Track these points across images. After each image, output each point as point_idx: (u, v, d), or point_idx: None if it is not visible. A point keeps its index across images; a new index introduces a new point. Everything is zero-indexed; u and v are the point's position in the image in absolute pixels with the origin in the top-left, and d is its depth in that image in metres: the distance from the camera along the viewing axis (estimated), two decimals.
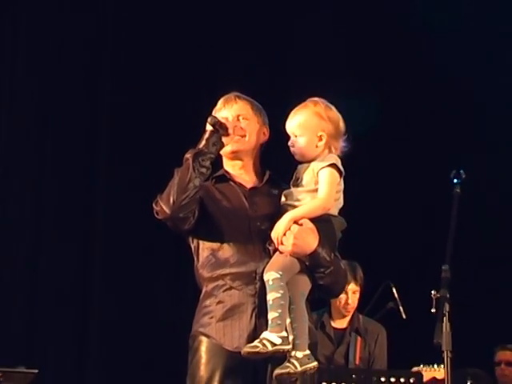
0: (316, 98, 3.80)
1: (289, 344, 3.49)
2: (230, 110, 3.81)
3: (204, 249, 3.74)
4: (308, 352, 3.56)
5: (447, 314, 3.78)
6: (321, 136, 3.71)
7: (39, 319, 7.03)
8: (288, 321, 3.53)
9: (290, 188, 3.72)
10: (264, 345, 3.45)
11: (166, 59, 7.58)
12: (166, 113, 7.46)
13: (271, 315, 3.50)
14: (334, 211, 3.71)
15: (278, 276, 3.52)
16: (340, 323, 5.82)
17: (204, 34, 7.68)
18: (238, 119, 3.80)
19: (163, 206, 3.59)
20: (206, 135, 3.67)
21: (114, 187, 7.28)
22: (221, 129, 3.67)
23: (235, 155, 3.82)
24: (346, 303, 5.73)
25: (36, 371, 5.29)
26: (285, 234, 3.57)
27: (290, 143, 3.75)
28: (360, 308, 5.92)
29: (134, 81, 7.45)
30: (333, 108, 3.79)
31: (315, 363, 3.58)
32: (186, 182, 3.57)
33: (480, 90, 7.52)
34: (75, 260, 7.27)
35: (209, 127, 3.68)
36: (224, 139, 3.69)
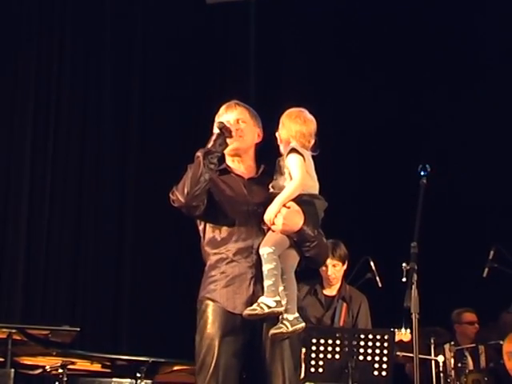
0: (294, 109, 3.89)
1: (282, 307, 3.54)
2: (231, 115, 3.87)
3: (210, 229, 3.79)
4: (297, 315, 3.60)
5: (415, 282, 3.80)
6: (293, 137, 3.77)
7: (81, 287, 7.04)
8: (281, 288, 3.56)
9: (275, 179, 3.78)
10: (261, 308, 3.51)
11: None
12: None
13: (266, 283, 3.54)
14: (315, 190, 3.77)
15: (271, 250, 3.57)
16: (330, 291, 5.81)
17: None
18: (238, 122, 3.85)
19: (179, 196, 3.66)
20: (214, 137, 3.73)
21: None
22: (226, 132, 3.74)
23: (235, 152, 3.87)
24: (327, 274, 5.72)
25: (78, 329, 5.30)
26: (276, 216, 3.62)
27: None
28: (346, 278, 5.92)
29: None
30: (301, 116, 3.83)
31: (303, 324, 3.61)
32: (197, 176, 3.63)
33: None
34: (111, 238, 7.29)
35: (216, 130, 3.75)
36: (228, 140, 3.76)
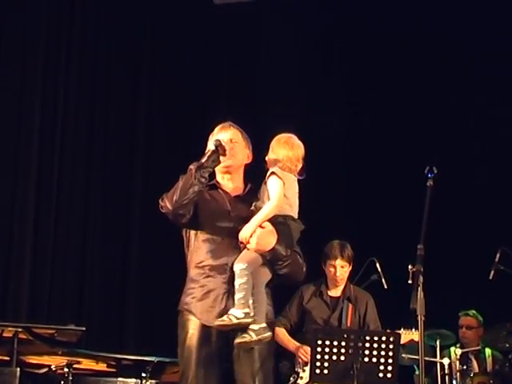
0: (284, 134, 4.09)
1: (250, 318, 3.73)
2: (225, 134, 4.07)
3: (192, 242, 3.98)
4: (264, 325, 3.78)
5: (421, 284, 3.80)
6: (279, 161, 3.98)
7: (87, 286, 7.05)
8: (250, 301, 3.75)
9: (258, 200, 3.96)
10: (230, 319, 3.72)
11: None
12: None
13: (237, 296, 3.76)
14: (293, 214, 3.96)
15: (244, 267, 3.78)
16: (335, 292, 5.81)
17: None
18: (231, 142, 4.04)
19: (167, 203, 3.87)
20: (209, 153, 3.95)
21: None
22: (221, 149, 3.94)
23: (226, 170, 4.07)
24: (335, 275, 5.72)
25: (84, 329, 5.30)
26: (251, 236, 3.80)
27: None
28: (351, 280, 5.90)
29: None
30: (289, 142, 4.04)
31: (270, 333, 3.80)
32: (187, 187, 3.85)
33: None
34: (117, 238, 7.29)
35: (212, 147, 3.95)
36: (221, 158, 3.95)
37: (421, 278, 3.81)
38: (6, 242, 6.67)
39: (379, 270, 6.19)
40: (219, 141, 3.96)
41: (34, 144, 6.86)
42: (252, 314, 3.74)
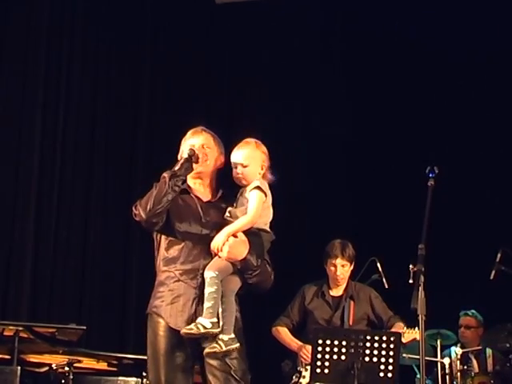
0: (251, 138, 4.08)
1: (218, 328, 3.77)
2: (197, 139, 4.10)
3: (163, 247, 4.00)
4: (233, 336, 3.82)
5: (422, 284, 3.80)
6: (262, 166, 4.01)
7: (88, 285, 7.05)
8: (220, 310, 3.79)
9: (233, 206, 3.98)
10: (198, 328, 3.75)
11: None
12: None
13: (206, 305, 3.79)
14: (264, 225, 3.99)
15: (214, 275, 3.81)
16: (336, 291, 5.80)
17: None
18: (203, 147, 4.07)
19: (141, 212, 3.90)
20: (182, 161, 3.98)
21: None
22: (194, 158, 3.98)
23: (198, 175, 4.09)
24: (336, 274, 5.71)
25: (84, 328, 5.31)
26: (223, 244, 3.83)
27: (237, 171, 4.00)
28: (352, 279, 5.90)
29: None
30: (257, 143, 4.07)
31: (238, 344, 3.82)
32: (161, 195, 3.88)
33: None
34: (118, 238, 7.29)
35: (185, 155, 3.99)
36: (194, 165, 3.99)
37: (422, 278, 3.80)
38: (7, 241, 6.67)
39: (380, 269, 6.19)
40: (193, 150, 3.99)
41: (35, 142, 6.86)
42: (221, 324, 3.77)
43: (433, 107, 7.82)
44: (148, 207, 3.85)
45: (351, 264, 5.75)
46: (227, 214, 3.96)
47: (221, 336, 3.78)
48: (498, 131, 7.62)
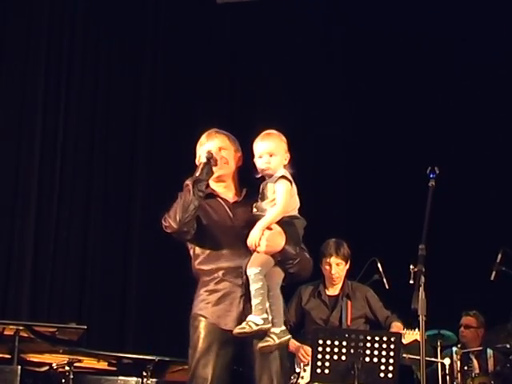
0: (271, 130, 4.06)
1: (269, 323, 3.77)
2: (213, 143, 4.07)
3: (199, 249, 3.99)
4: (284, 328, 3.84)
5: (423, 284, 3.80)
6: (286, 157, 4.01)
7: (88, 285, 7.05)
8: (267, 304, 3.78)
9: (258, 201, 3.97)
10: (250, 326, 3.74)
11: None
12: None
13: (254, 302, 3.77)
14: (295, 212, 3.97)
15: (258, 271, 3.80)
16: (333, 291, 5.80)
17: None
18: (220, 150, 4.05)
19: (171, 223, 3.87)
20: (201, 166, 3.95)
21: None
22: (213, 161, 3.95)
23: (220, 178, 4.09)
24: (330, 273, 5.71)
25: (85, 327, 5.31)
26: (260, 240, 3.81)
27: (265, 160, 3.96)
28: (350, 278, 5.90)
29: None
30: (279, 134, 4.05)
31: (289, 336, 3.88)
32: (188, 203, 3.86)
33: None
34: (118, 238, 7.29)
35: (203, 159, 3.96)
36: (214, 168, 3.97)
37: (422, 279, 3.81)
38: (7, 240, 6.67)
39: (381, 269, 6.19)
40: (211, 153, 3.97)
41: (35, 143, 6.86)
42: (270, 319, 3.78)
43: (433, 107, 7.84)
44: (178, 218, 3.84)
45: (346, 263, 5.75)
46: (254, 209, 3.94)
47: (272, 329, 3.78)
48: (498, 132, 7.64)
